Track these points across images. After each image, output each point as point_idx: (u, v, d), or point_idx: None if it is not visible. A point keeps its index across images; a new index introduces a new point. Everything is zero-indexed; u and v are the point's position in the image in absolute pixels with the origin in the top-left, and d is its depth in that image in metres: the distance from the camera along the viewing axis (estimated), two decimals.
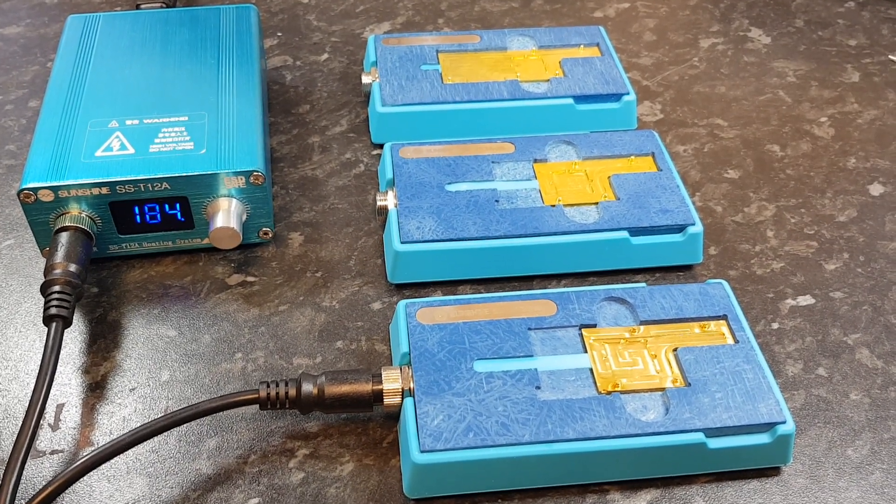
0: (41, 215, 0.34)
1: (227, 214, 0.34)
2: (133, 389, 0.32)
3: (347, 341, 0.34)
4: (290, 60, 0.47)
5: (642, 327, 0.32)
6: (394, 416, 0.31)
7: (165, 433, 0.30)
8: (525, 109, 0.41)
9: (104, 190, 0.34)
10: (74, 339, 0.34)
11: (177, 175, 0.34)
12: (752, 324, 0.35)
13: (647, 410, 0.29)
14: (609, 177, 0.37)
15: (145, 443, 0.30)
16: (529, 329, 0.31)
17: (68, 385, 0.32)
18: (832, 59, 0.48)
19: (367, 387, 0.30)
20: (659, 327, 0.32)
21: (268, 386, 0.30)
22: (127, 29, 0.41)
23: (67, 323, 0.31)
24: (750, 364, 0.30)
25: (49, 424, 0.31)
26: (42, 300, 0.35)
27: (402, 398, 0.30)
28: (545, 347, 0.31)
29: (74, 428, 0.31)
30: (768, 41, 0.49)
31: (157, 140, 0.35)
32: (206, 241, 0.36)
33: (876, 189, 0.41)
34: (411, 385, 0.30)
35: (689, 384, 0.30)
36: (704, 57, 0.48)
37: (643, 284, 0.33)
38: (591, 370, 0.30)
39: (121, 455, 0.29)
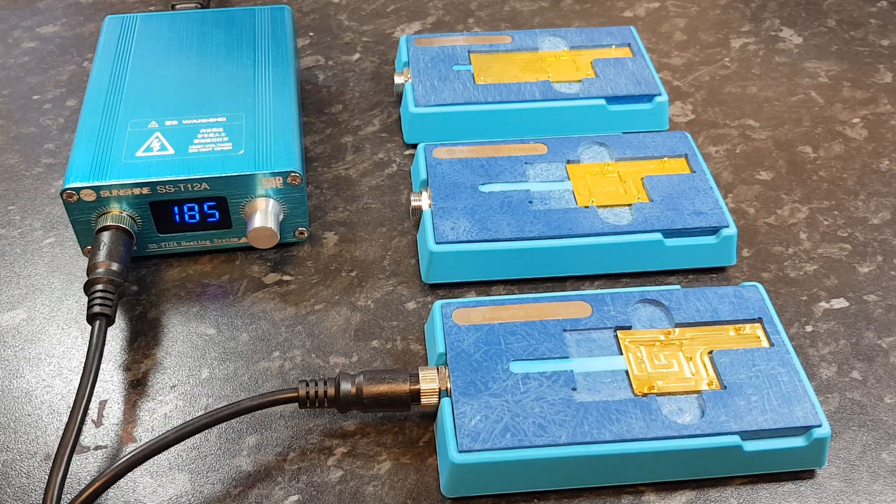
0: (83, 214, 0.34)
1: (264, 214, 0.35)
2: (174, 387, 0.33)
3: (383, 341, 0.34)
4: (323, 60, 0.48)
5: (677, 329, 0.32)
6: (430, 415, 0.31)
7: (206, 430, 0.31)
8: (557, 110, 0.42)
9: (145, 190, 0.34)
10: (115, 336, 0.34)
11: (216, 176, 0.34)
12: (786, 326, 0.35)
13: (682, 413, 0.29)
14: (642, 178, 0.38)
15: (187, 440, 0.30)
16: (565, 330, 0.32)
17: (110, 382, 0.33)
18: (865, 59, 0.48)
19: (404, 386, 0.30)
20: (694, 330, 0.32)
21: (307, 385, 0.30)
22: (164, 30, 0.42)
23: (110, 321, 0.32)
24: (785, 367, 0.30)
25: (93, 420, 0.31)
26: (83, 298, 0.35)
27: (440, 398, 0.30)
28: (581, 349, 0.31)
29: (117, 424, 0.31)
30: (800, 41, 0.49)
31: (196, 141, 0.36)
32: (243, 240, 0.37)
33: None
34: (448, 385, 0.30)
35: (725, 387, 0.30)
36: (736, 57, 0.48)
37: (678, 287, 0.34)
38: (627, 372, 0.30)
39: (163, 451, 0.30)
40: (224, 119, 0.37)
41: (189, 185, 0.34)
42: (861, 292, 0.36)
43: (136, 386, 0.33)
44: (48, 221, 0.39)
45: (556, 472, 0.29)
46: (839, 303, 0.36)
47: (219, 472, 0.30)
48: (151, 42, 0.41)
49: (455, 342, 0.31)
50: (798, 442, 0.29)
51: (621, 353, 0.31)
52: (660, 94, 0.42)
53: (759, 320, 0.32)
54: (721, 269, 0.37)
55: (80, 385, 0.30)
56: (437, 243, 0.35)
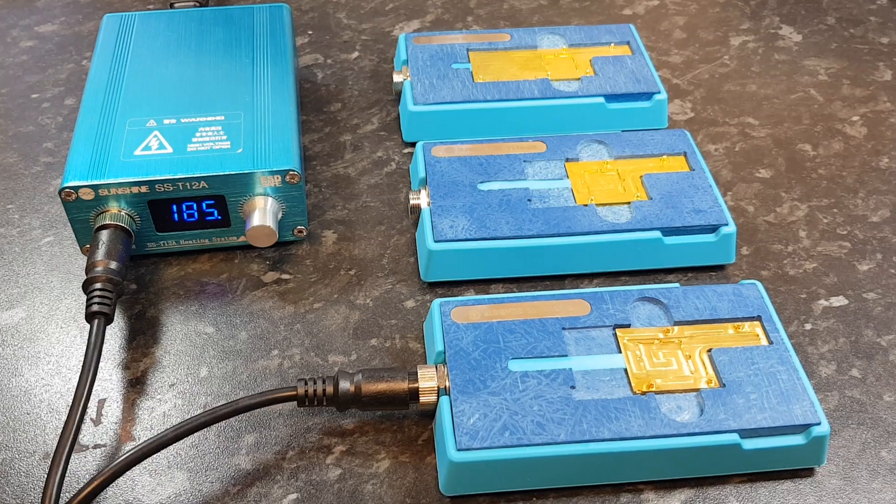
0: (82, 213, 0.34)
1: (263, 213, 0.35)
2: (172, 385, 0.33)
3: (382, 339, 0.34)
4: (321, 59, 0.48)
5: (676, 328, 0.32)
6: (429, 413, 0.31)
7: (205, 429, 0.31)
8: (556, 108, 0.42)
9: (143, 189, 0.34)
10: (114, 335, 0.34)
11: (214, 174, 0.34)
12: (785, 324, 0.35)
13: (681, 411, 0.29)
14: (641, 176, 0.38)
15: (185, 438, 0.30)
16: (563, 329, 0.32)
17: (109, 380, 0.33)
18: (864, 57, 0.48)
19: (403, 385, 0.30)
20: (693, 328, 0.32)
21: (306, 383, 0.30)
22: (162, 28, 0.42)
23: (109, 320, 0.32)
24: (784, 365, 0.30)
25: (91, 419, 0.31)
26: (82, 296, 0.35)
27: (438, 396, 0.30)
28: (579, 347, 0.31)
29: (116, 423, 0.31)
30: (799, 39, 0.49)
31: (194, 139, 0.36)
32: (241, 238, 0.37)
33: None
34: (447, 383, 0.30)
35: (724, 385, 0.30)
36: (735, 55, 0.48)
37: (677, 285, 0.33)
38: (626, 370, 0.30)
39: (162, 450, 0.30)
40: (222, 117, 0.37)
41: (187, 184, 0.34)
42: (860, 290, 0.36)
43: (135, 384, 0.33)
44: (47, 220, 0.39)
45: (555, 471, 0.29)
46: (838, 301, 0.36)
47: (217, 470, 0.30)
48: (150, 40, 0.41)
49: (454, 340, 0.31)
50: (797, 440, 0.29)
51: (620, 352, 0.31)
52: (659, 92, 0.42)
53: (759, 318, 0.32)
54: (720, 268, 0.37)
55: (78, 383, 0.30)
56: (435, 241, 0.35)
